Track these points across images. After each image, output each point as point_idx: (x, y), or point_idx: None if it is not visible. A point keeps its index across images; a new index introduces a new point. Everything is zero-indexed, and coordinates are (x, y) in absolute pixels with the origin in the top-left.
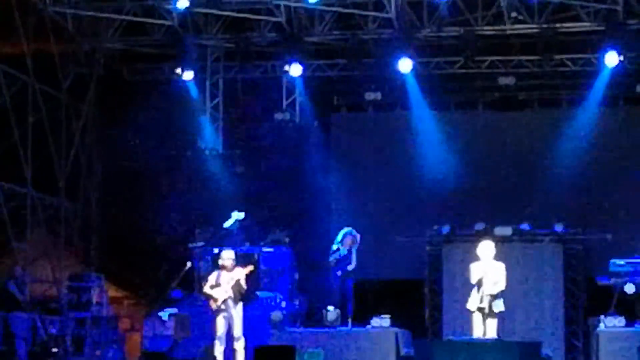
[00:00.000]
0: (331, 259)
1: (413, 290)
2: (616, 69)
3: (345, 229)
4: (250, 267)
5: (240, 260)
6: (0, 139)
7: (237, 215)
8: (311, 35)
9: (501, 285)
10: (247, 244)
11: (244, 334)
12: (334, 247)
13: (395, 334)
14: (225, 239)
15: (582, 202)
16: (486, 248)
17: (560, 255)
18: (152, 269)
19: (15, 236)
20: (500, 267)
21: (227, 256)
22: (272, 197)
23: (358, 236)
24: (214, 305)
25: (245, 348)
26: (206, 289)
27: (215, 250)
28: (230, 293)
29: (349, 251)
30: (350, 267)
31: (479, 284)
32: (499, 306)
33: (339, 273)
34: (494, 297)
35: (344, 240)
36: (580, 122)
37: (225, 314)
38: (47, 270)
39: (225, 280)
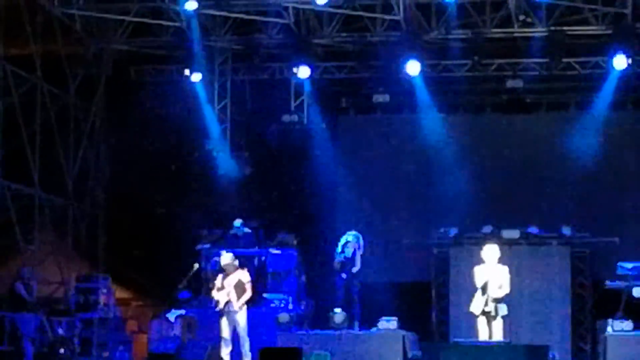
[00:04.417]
0: (335, 262)
1: (420, 292)
2: (624, 72)
3: (350, 233)
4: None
5: (246, 262)
6: (8, 140)
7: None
8: (319, 37)
9: (506, 289)
10: (256, 247)
11: (251, 336)
12: (338, 250)
13: (402, 337)
14: (233, 241)
15: (590, 205)
16: (491, 251)
17: (567, 259)
18: (160, 271)
19: (22, 237)
20: (505, 270)
21: (226, 259)
22: (279, 199)
23: (361, 239)
24: (217, 308)
25: (251, 350)
26: (214, 292)
27: (223, 252)
28: (233, 296)
29: (353, 254)
30: (355, 270)
31: (484, 287)
32: (503, 310)
33: (344, 276)
34: (499, 300)
35: (347, 244)
36: (588, 125)
37: (228, 316)
38: (54, 271)
39: (228, 283)
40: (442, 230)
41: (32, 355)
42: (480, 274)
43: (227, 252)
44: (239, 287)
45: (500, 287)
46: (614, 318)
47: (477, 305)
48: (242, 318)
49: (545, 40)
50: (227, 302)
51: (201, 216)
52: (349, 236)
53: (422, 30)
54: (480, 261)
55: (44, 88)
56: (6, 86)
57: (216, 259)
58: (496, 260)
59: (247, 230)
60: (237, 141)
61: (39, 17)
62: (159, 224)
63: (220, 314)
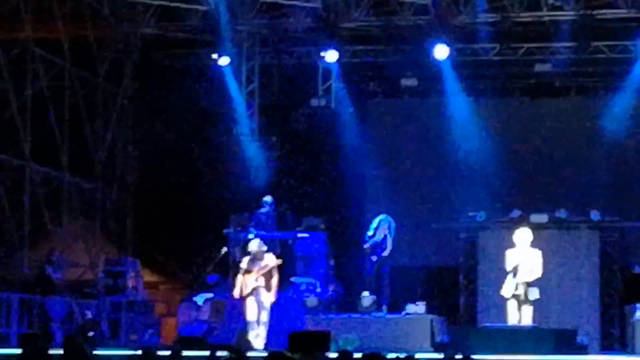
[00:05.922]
0: (366, 245)
1: (448, 277)
2: None
3: (381, 216)
4: (279, 261)
5: (274, 246)
6: (37, 124)
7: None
8: (347, 21)
9: (537, 272)
10: (284, 230)
11: (279, 320)
12: (369, 233)
13: (430, 321)
14: (260, 223)
15: (619, 189)
16: (523, 235)
17: (596, 243)
18: (188, 254)
19: (51, 221)
20: (537, 254)
21: (254, 245)
22: (307, 183)
23: (393, 223)
24: (244, 292)
25: (280, 333)
26: (239, 275)
27: (250, 236)
28: (262, 282)
29: (384, 237)
30: (385, 253)
31: (515, 271)
32: (534, 294)
33: (374, 259)
34: (530, 284)
35: (379, 227)
36: (616, 109)
37: (255, 299)
38: (83, 254)
39: (256, 269)
40: (470, 214)
41: (61, 338)
42: (511, 257)
43: (255, 237)
44: (268, 273)
45: (531, 271)
46: None
47: (507, 288)
48: (268, 302)
49: (574, 23)
50: (255, 288)
51: (229, 200)
52: (381, 220)
53: (451, 14)
54: (509, 245)
55: (73, 72)
56: (35, 70)
57: (247, 237)
58: (528, 243)
59: (272, 210)
60: (265, 125)
61: (68, 1)
62: (187, 207)
63: (247, 297)
